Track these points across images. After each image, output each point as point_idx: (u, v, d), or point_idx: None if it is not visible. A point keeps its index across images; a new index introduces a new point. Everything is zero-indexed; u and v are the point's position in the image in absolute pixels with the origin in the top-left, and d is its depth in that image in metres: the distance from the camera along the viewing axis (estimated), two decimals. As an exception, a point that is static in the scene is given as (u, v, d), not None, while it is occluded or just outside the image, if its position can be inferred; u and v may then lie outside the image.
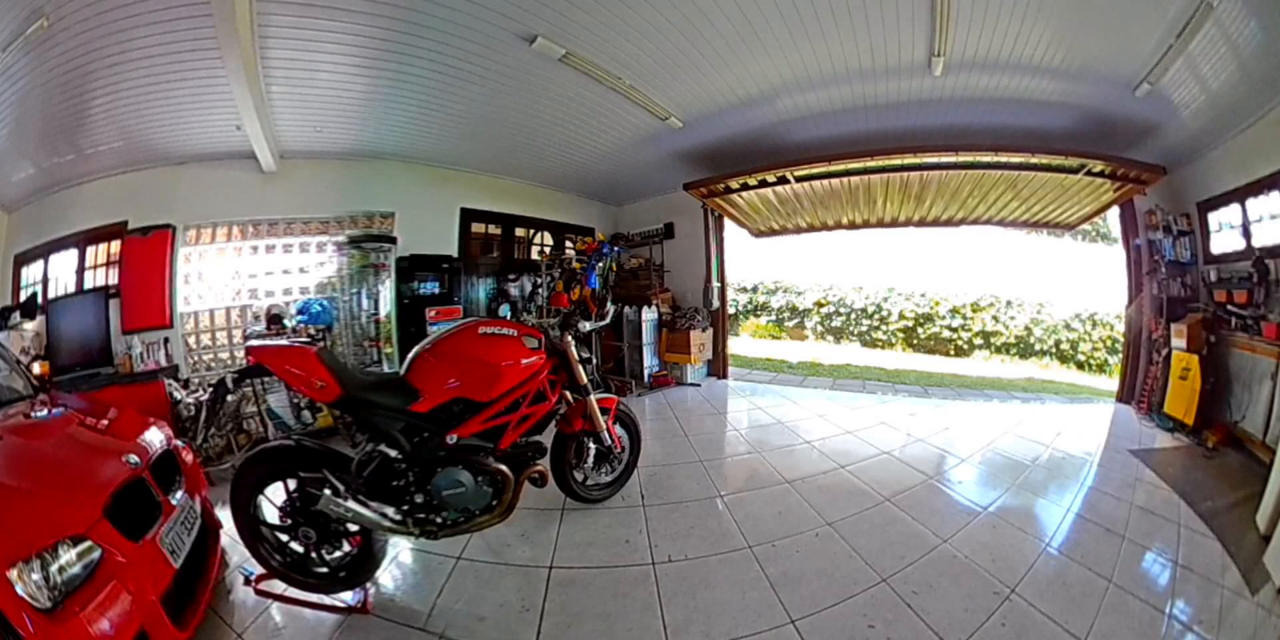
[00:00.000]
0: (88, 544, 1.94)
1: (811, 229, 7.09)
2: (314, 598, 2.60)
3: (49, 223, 6.21)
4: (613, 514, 3.33)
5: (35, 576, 1.77)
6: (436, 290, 6.63)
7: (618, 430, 3.41)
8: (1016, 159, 5.03)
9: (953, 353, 11.44)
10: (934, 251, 12.10)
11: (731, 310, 9.66)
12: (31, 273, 6.11)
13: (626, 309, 7.15)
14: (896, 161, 5.28)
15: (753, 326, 13.78)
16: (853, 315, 12.70)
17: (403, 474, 2.52)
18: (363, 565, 2.62)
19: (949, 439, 4.66)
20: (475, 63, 4.35)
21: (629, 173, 7.08)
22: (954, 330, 11.59)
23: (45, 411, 3.11)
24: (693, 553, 2.85)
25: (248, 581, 2.73)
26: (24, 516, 1.95)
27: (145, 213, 6.21)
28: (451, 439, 2.50)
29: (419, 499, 2.51)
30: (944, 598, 2.47)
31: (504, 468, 2.57)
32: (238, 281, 6.41)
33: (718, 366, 7.59)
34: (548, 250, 7.92)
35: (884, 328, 12.22)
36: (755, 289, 14.09)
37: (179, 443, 3.04)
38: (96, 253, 6.24)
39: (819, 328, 13.03)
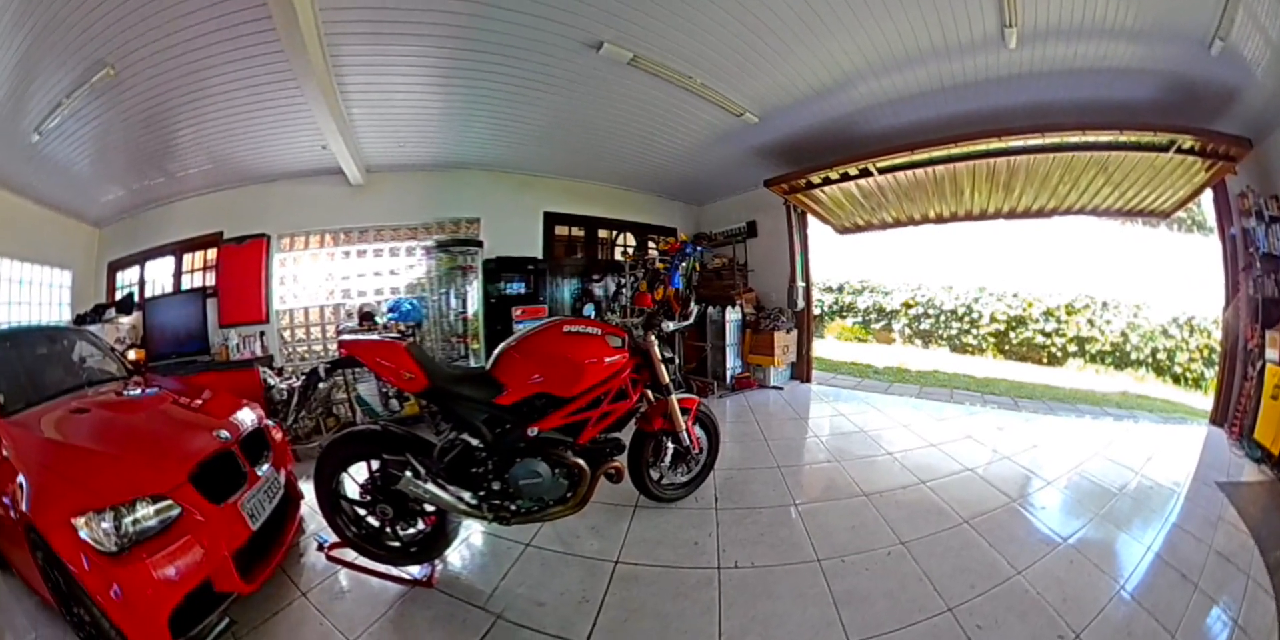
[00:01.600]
0: (167, 503, 2.16)
1: (898, 224, 6.61)
2: (382, 568, 2.71)
3: (143, 235, 6.95)
4: (684, 515, 3.21)
5: (105, 525, 2.00)
6: (522, 290, 6.77)
7: (697, 431, 3.28)
8: (1105, 137, 4.52)
9: (1045, 361, 10.46)
10: (1026, 246, 10.98)
11: (816, 311, 9.12)
12: (127, 277, 6.96)
13: (710, 309, 6.89)
14: (981, 147, 4.88)
15: (838, 328, 12.94)
16: (942, 317, 11.76)
17: (482, 462, 2.56)
18: (434, 543, 2.71)
19: (1036, 458, 4.26)
20: (545, 73, 4.39)
21: (708, 171, 6.90)
22: (1047, 335, 10.60)
23: (138, 391, 3.45)
24: (760, 560, 2.72)
25: (320, 547, 2.91)
26: (102, 475, 2.21)
27: (240, 224, 6.76)
28: (532, 431, 2.53)
29: (496, 486, 2.56)
30: (1007, 635, 2.23)
31: (581, 462, 2.56)
32: (331, 283, 6.80)
33: (801, 369, 7.19)
34: (631, 251, 7.87)
35: (974, 331, 11.31)
36: (841, 289, 13.21)
37: (269, 422, 3.26)
38: (193, 259, 6.96)
39: (906, 330, 12.17)
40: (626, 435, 2.93)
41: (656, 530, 3.02)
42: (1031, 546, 2.88)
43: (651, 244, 7.77)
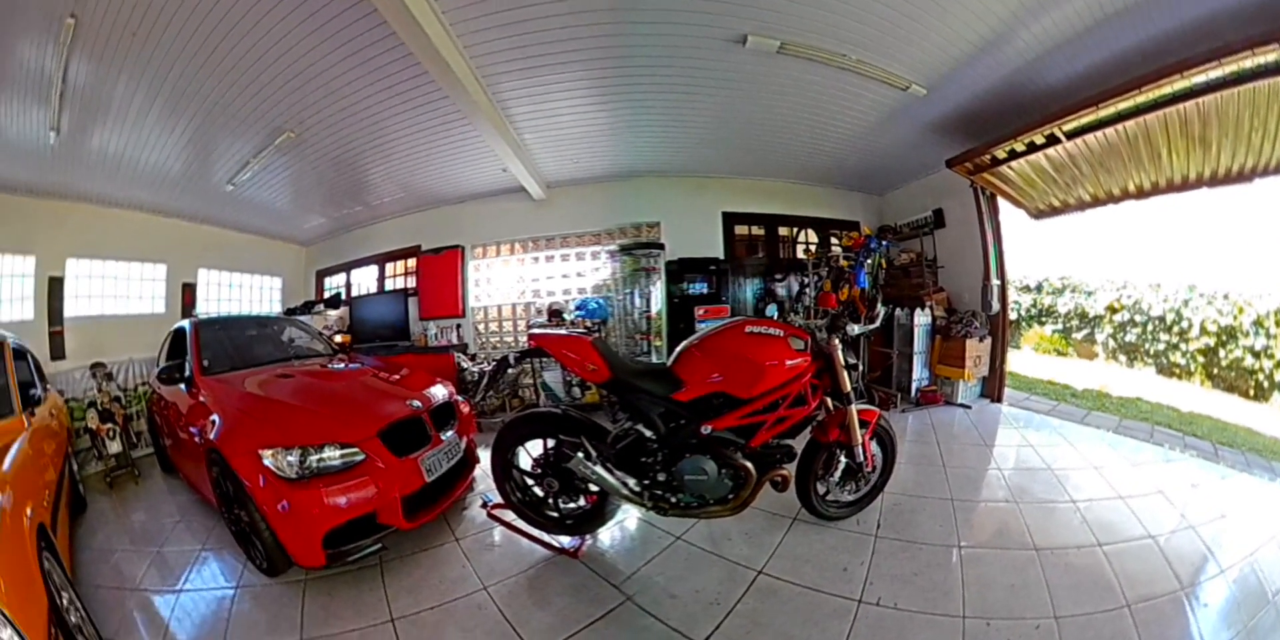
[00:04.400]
0: (353, 450, 2.54)
1: (1095, 202, 5.33)
2: (535, 533, 2.83)
3: (347, 250, 8.39)
4: (841, 536, 2.82)
5: (290, 458, 2.40)
6: (704, 290, 6.57)
7: (873, 447, 2.90)
8: (1271, 55, 3.38)
9: (1252, 392, 7.88)
10: (1233, 226, 8.38)
11: (1012, 315, 7.46)
12: (334, 281, 8.74)
13: (898, 311, 6.01)
14: (1166, 89, 3.85)
15: (1035, 337, 10.69)
16: (1149, 326, 9.28)
17: (653, 453, 2.52)
18: (590, 519, 2.75)
19: (1219, 533, 3.20)
20: (698, 75, 4.21)
21: (885, 156, 6.05)
22: (1256, 355, 7.94)
23: (342, 365, 3.95)
24: (904, 603, 2.28)
25: (485, 505, 3.19)
26: (297, 423, 2.64)
27: (435, 238, 7.63)
28: (706, 429, 2.44)
29: (661, 477, 2.50)
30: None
31: (749, 465, 2.42)
32: (522, 284, 7.23)
33: (993, 386, 5.98)
34: (813, 248, 7.12)
35: (1183, 346, 8.84)
36: (1039, 288, 10.85)
37: (459, 398, 3.60)
38: (395, 267, 8.17)
39: (1110, 342, 9.76)
40: (799, 444, 2.68)
41: (808, 548, 2.70)
42: (1177, 655, 2.20)
43: (834, 240, 6.91)
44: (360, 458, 2.53)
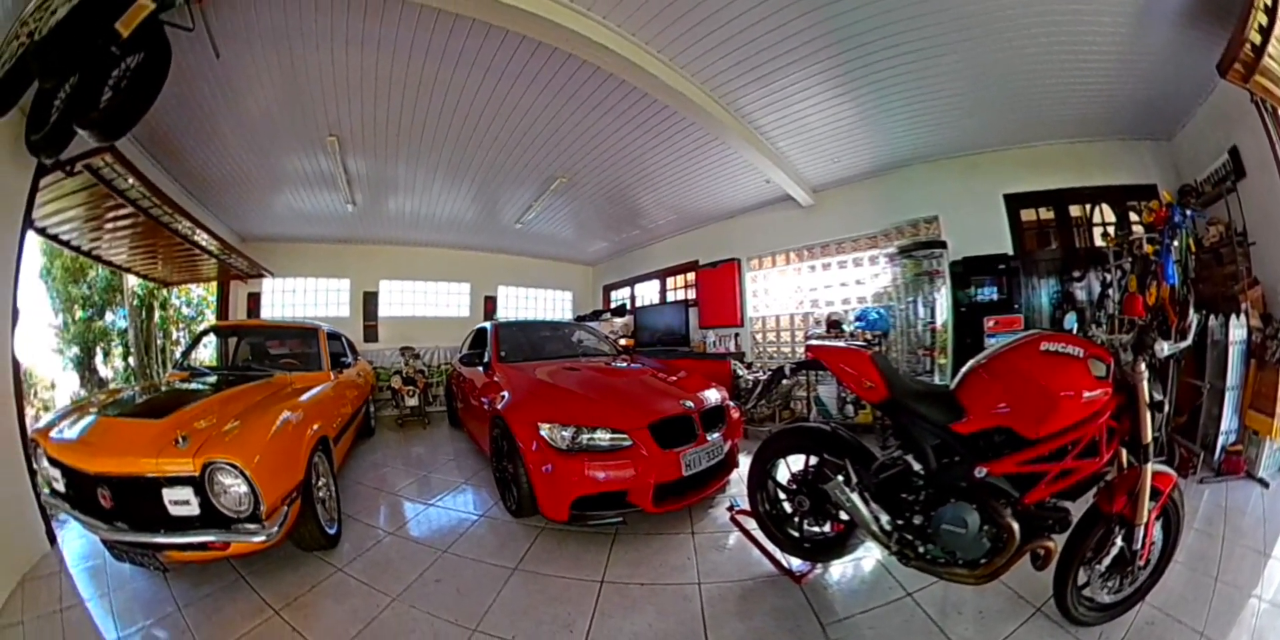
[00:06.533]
0: (623, 436, 2.88)
1: None
2: (770, 547, 2.73)
3: (629, 267, 9.79)
4: None
5: (565, 434, 2.85)
6: (995, 296, 5.38)
7: (1155, 530, 2.03)
8: None
9: None
10: None
11: None
12: (619, 293, 10.37)
13: (1211, 320, 3.82)
14: None
15: None
16: None
17: (916, 490, 2.15)
18: (828, 548, 2.53)
19: None
20: (925, 33, 3.52)
21: (1148, 78, 4.12)
22: None
23: (625, 364, 4.40)
24: None
25: (730, 509, 3.22)
26: (576, 407, 3.08)
27: (711, 252, 8.09)
28: (980, 472, 1.96)
29: (916, 520, 2.12)
30: None
31: (1015, 526, 1.90)
32: (799, 294, 7.12)
33: None
34: (1111, 231, 5.10)
35: None
36: None
37: (731, 403, 3.72)
38: (675, 280, 9.06)
39: None
40: (1076, 510, 2.00)
41: (1040, 650, 1.96)
42: None
43: (1134, 215, 4.90)
44: (627, 443, 2.85)
